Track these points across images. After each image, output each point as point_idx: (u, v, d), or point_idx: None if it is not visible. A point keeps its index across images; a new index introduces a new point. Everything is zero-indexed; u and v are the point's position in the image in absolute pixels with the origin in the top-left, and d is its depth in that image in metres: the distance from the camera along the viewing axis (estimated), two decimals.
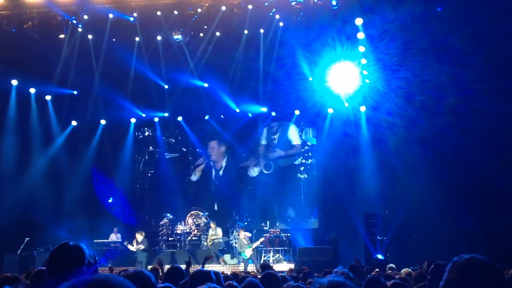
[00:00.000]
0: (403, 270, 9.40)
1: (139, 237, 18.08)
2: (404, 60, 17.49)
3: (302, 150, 21.44)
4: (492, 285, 2.25)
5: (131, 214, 21.29)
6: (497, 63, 15.84)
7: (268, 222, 19.80)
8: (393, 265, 11.86)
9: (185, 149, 22.39)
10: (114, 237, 19.39)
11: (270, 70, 19.61)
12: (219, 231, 18.82)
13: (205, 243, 19.15)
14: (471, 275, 2.25)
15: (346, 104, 19.19)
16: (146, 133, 22.74)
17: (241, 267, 16.91)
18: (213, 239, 18.51)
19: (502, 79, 15.89)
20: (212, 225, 19.04)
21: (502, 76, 15.89)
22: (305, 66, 18.85)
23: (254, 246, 17.59)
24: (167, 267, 6.81)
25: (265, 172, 21.30)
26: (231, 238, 19.48)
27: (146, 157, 22.59)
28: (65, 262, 3.33)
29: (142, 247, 17.91)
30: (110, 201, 21.37)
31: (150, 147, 22.62)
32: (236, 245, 18.25)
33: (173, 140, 22.54)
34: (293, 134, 21.35)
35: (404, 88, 17.84)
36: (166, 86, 20.57)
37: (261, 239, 18.08)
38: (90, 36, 18.99)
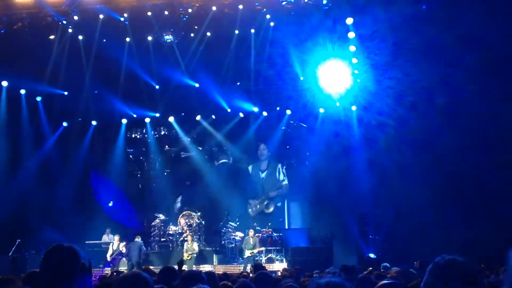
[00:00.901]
0: (393, 269, 9.45)
1: (116, 240, 17.82)
2: (395, 60, 17.57)
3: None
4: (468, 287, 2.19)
5: (130, 219, 20.90)
6: (487, 63, 15.94)
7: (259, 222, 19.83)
8: (387, 264, 11.92)
9: (200, 148, 22.14)
10: (107, 238, 19.06)
11: (261, 70, 19.63)
12: (195, 245, 17.90)
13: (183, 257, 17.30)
14: (448, 277, 2.21)
15: (338, 104, 19.25)
16: (162, 132, 22.51)
17: (241, 267, 16.81)
18: (190, 254, 17.50)
19: (492, 80, 16.01)
20: (189, 238, 18.18)
21: (492, 77, 16.01)
22: (297, 66, 18.90)
23: (254, 251, 17.40)
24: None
25: (266, 211, 21.09)
26: (223, 238, 19.36)
27: (162, 158, 22.38)
28: (58, 264, 3.33)
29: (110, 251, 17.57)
30: (110, 204, 20.98)
31: (166, 146, 22.45)
32: (243, 243, 17.96)
33: (195, 136, 22.20)
34: (281, 174, 21.24)
35: (394, 88, 17.92)
36: (157, 87, 20.54)
37: (262, 248, 17.88)
38: (80, 37, 18.94)
